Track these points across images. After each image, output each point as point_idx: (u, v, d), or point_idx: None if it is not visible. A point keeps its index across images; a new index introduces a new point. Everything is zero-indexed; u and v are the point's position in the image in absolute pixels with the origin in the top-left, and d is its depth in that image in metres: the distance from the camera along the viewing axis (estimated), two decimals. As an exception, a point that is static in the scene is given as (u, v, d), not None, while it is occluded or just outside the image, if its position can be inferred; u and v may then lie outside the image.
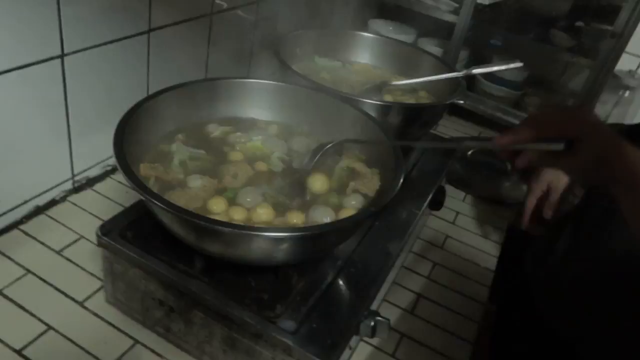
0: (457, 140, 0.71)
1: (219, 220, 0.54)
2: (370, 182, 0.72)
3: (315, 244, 0.60)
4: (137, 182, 0.55)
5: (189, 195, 0.66)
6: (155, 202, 0.53)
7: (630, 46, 1.36)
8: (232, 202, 0.67)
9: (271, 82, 0.84)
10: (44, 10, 0.71)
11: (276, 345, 0.58)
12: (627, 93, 1.57)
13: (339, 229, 0.60)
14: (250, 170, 0.74)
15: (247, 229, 0.56)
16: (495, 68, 0.96)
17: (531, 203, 0.90)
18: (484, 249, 1.04)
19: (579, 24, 1.47)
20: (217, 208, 0.65)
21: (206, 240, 0.58)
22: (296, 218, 0.66)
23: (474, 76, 1.55)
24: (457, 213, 1.13)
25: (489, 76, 1.53)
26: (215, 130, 0.80)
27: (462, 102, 0.92)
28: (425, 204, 0.89)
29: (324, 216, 0.66)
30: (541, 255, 0.85)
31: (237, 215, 0.65)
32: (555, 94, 1.65)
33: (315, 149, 0.74)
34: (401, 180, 0.63)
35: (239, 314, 0.59)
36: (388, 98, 1.04)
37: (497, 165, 1.31)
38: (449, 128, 1.52)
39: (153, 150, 0.73)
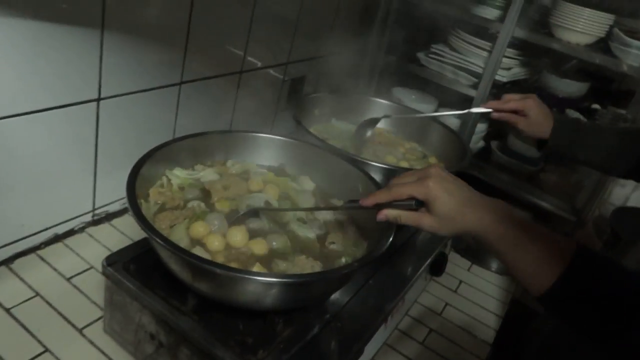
0: (336, 207, 0.84)
1: (188, 252, 0.58)
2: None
3: (298, 292, 0.63)
4: (133, 206, 0.60)
5: (174, 216, 0.70)
6: (142, 225, 0.58)
7: (646, 130, 1.38)
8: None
9: (279, 137, 0.92)
10: (87, 56, 0.80)
11: (253, 390, 0.60)
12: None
13: (322, 280, 0.63)
14: (244, 189, 0.82)
15: (214, 266, 0.58)
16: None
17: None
18: (483, 320, 1.03)
19: (595, 106, 1.50)
20: (197, 233, 0.70)
21: (183, 270, 0.62)
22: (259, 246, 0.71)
23: (489, 147, 1.59)
24: (461, 282, 1.13)
25: (503, 148, 1.55)
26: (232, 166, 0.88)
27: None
28: (423, 268, 0.90)
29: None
30: (537, 328, 0.84)
31: (214, 240, 0.70)
32: (573, 172, 1.65)
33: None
34: (388, 242, 0.65)
35: (221, 354, 0.61)
36: (403, 164, 1.09)
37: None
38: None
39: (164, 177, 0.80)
